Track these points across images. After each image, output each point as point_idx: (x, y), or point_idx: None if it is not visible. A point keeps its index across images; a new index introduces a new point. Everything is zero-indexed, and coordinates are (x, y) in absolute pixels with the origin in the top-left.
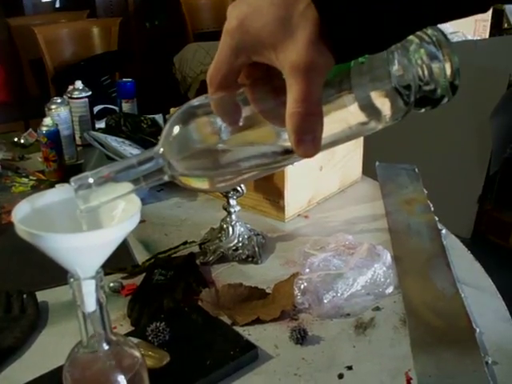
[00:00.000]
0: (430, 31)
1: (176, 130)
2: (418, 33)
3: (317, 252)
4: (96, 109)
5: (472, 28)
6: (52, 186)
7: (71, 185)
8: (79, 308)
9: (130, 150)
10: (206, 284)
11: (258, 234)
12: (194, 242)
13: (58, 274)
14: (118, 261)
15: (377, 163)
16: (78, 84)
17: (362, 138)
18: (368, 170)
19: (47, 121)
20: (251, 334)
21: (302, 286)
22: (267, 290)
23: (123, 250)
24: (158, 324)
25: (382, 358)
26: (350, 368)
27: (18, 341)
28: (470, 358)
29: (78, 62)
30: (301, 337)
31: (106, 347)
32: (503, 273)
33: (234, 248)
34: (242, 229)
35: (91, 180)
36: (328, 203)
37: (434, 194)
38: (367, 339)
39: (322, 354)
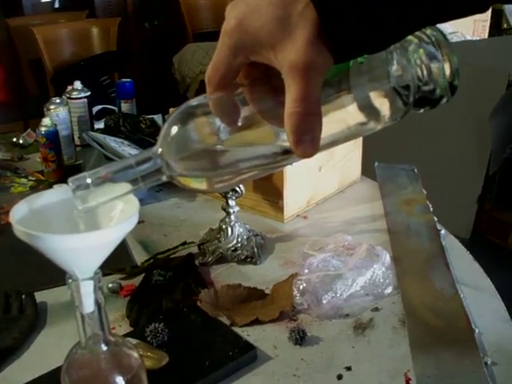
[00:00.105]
0: (429, 31)
1: (174, 130)
2: (417, 33)
3: (316, 252)
4: (95, 109)
5: (471, 28)
6: (51, 186)
7: (69, 185)
8: (77, 309)
9: (128, 150)
10: (205, 285)
11: (257, 235)
12: (192, 242)
13: (56, 275)
14: (117, 261)
15: (376, 164)
16: (77, 84)
17: (361, 139)
18: (367, 171)
19: (46, 121)
20: (250, 334)
21: (301, 287)
22: (266, 291)
23: (122, 250)
24: (156, 325)
25: (381, 358)
26: (349, 369)
27: (16, 341)
28: (469, 359)
29: (77, 62)
30: (300, 337)
31: (104, 348)
32: (502, 273)
33: (232, 248)
34: (241, 229)
35: (89, 180)
36: (327, 204)
37: (433, 195)
38: (366, 340)
39: (320, 354)
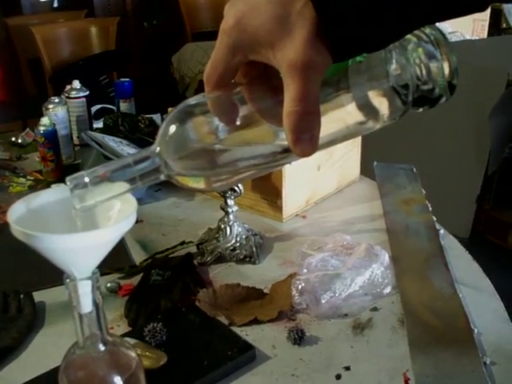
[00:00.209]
0: (428, 30)
1: (172, 129)
2: (416, 32)
3: (314, 252)
4: (94, 108)
5: (470, 28)
6: (49, 185)
7: (67, 184)
8: (75, 309)
9: (127, 149)
10: (204, 284)
11: (256, 234)
12: (191, 242)
13: (55, 275)
14: (116, 261)
15: (375, 163)
16: (76, 84)
17: (359, 138)
18: (366, 170)
19: (45, 120)
20: (249, 334)
21: (300, 287)
22: (265, 291)
23: (120, 250)
24: (155, 324)
25: (379, 358)
26: (347, 368)
27: (14, 341)
28: (468, 359)
29: (76, 61)
30: (298, 337)
31: (102, 348)
32: (501, 273)
33: (231, 248)
34: (240, 229)
35: (87, 179)
36: (326, 203)
37: (432, 194)
38: (365, 339)
39: (319, 354)
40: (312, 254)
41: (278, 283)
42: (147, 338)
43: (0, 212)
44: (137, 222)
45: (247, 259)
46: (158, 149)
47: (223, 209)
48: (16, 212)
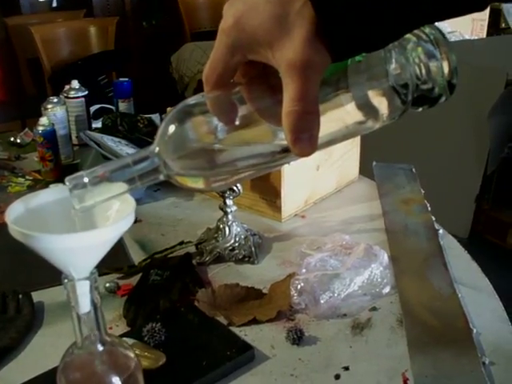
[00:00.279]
0: (427, 29)
1: (171, 128)
2: (416, 31)
3: (313, 252)
4: (93, 108)
5: (469, 27)
6: (48, 185)
7: (66, 184)
8: (73, 309)
9: (126, 149)
10: (203, 284)
11: (255, 234)
12: (190, 242)
13: (53, 275)
14: (114, 261)
15: (374, 163)
16: (75, 83)
17: (359, 138)
18: (365, 170)
19: (43, 120)
20: (247, 334)
21: (299, 287)
22: (264, 291)
23: (119, 249)
24: (153, 324)
25: (378, 358)
26: (346, 368)
27: (13, 341)
28: (467, 359)
29: (75, 61)
30: (297, 337)
31: (100, 348)
32: (500, 273)
33: (230, 248)
34: (239, 229)
35: (86, 179)
36: (325, 203)
37: (431, 194)
38: (364, 339)
39: (318, 354)
40: (311, 253)
41: (277, 283)
42: (146, 338)
43: None
44: (136, 221)
45: (246, 259)
46: (157, 149)
47: (222, 209)
48: (14, 212)
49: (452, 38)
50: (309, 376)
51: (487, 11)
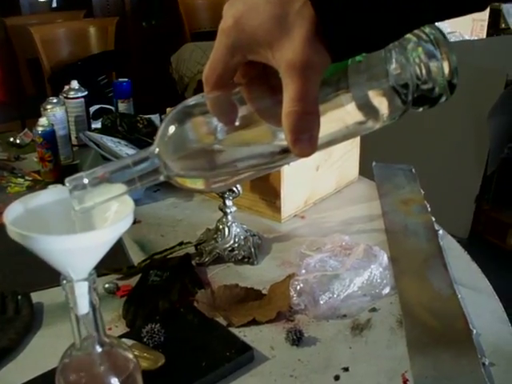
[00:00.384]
0: (427, 29)
1: (171, 129)
2: (416, 31)
3: (313, 253)
4: (92, 109)
5: (469, 28)
6: (47, 186)
7: (66, 185)
8: (72, 310)
9: (125, 150)
10: (202, 285)
11: (254, 235)
12: (189, 242)
13: (53, 275)
14: (114, 261)
15: (373, 163)
16: (74, 84)
17: (358, 138)
18: (365, 170)
19: (43, 121)
20: (247, 335)
21: (298, 287)
22: (263, 291)
23: (119, 250)
24: (153, 325)
25: (378, 359)
26: (346, 369)
27: (12, 342)
28: (467, 360)
29: (75, 61)
30: (297, 338)
31: (99, 349)
32: (500, 273)
33: (229, 249)
34: (238, 229)
35: (86, 180)
36: (324, 203)
37: (431, 194)
38: (364, 340)
39: (318, 355)
40: (310, 254)
41: (277, 284)
42: (145, 339)
43: None
44: (135, 222)
45: (245, 260)
46: (157, 150)
47: (222, 209)
48: (12, 213)
49: (452, 39)
50: (308, 377)
51: (487, 11)
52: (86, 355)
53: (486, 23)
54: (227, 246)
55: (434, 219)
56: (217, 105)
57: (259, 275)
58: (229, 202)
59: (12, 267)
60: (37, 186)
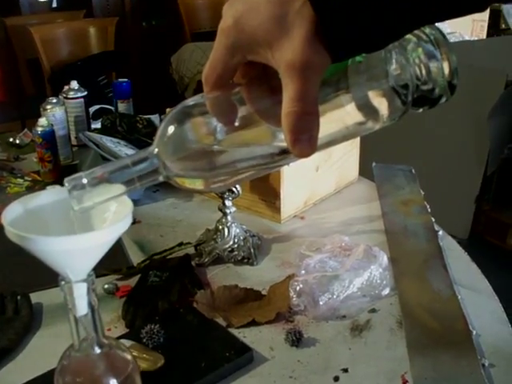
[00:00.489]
0: (427, 30)
1: (171, 129)
2: (416, 31)
3: (313, 253)
4: (92, 109)
5: (469, 28)
6: (47, 186)
7: (65, 185)
8: (71, 311)
9: (125, 150)
10: (202, 285)
11: (254, 236)
12: (189, 243)
13: (52, 276)
14: (113, 262)
15: (373, 164)
16: (74, 84)
17: (358, 139)
18: (364, 171)
19: (42, 121)
20: (246, 336)
21: (298, 288)
22: (263, 292)
23: (118, 251)
24: (152, 326)
25: (378, 360)
26: (345, 370)
27: (11, 343)
28: (467, 361)
29: (75, 61)
30: (296, 339)
31: (97, 351)
32: (500, 274)
33: (229, 249)
34: (238, 230)
35: (85, 180)
36: (324, 204)
37: (431, 195)
38: (363, 341)
39: (317, 356)
40: (310, 255)
41: (276, 284)
42: (144, 340)
43: None
44: (135, 222)
45: (245, 260)
46: (157, 150)
47: (221, 210)
48: (11, 214)
49: (452, 39)
50: (308, 378)
51: (487, 12)
52: (85, 356)
53: (486, 24)
54: (227, 246)
55: (433, 220)
56: (216, 105)
57: (259, 276)
58: (228, 203)
59: (11, 267)
60: (36, 186)
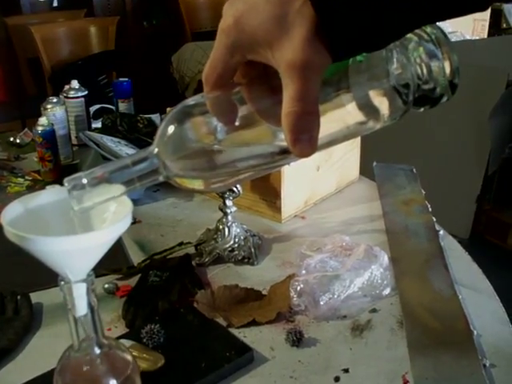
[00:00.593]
0: (429, 29)
1: (171, 129)
2: (417, 31)
3: (313, 253)
4: (93, 108)
5: (470, 28)
6: (47, 186)
7: (65, 185)
8: (70, 312)
9: (125, 149)
10: (202, 285)
11: (255, 235)
12: (189, 242)
13: (52, 276)
14: (113, 262)
15: (374, 163)
16: (74, 83)
17: (359, 138)
18: (365, 171)
19: (43, 120)
20: (247, 336)
21: (299, 288)
22: (263, 292)
23: (118, 250)
24: (152, 326)
25: (378, 360)
26: (346, 371)
27: (11, 343)
28: (468, 361)
29: (76, 61)
30: (297, 339)
31: (97, 351)
32: (501, 274)
33: (229, 249)
34: (238, 230)
35: (85, 180)
36: (325, 204)
37: (432, 195)
38: (364, 341)
39: (318, 356)
40: (311, 255)
41: (277, 284)
42: (145, 340)
43: None
44: (135, 222)
45: (246, 260)
46: (157, 150)
47: (222, 209)
48: (10, 213)
49: (453, 38)
50: (308, 378)
51: (488, 11)
52: (85, 357)
53: (487, 23)
54: (227, 246)
55: (434, 219)
56: (216, 104)
57: (259, 276)
58: (229, 202)
59: (11, 267)
60: (37, 185)
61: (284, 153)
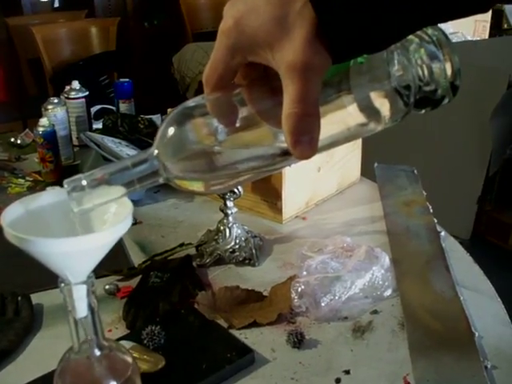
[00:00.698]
0: (430, 31)
1: (171, 131)
2: (418, 32)
3: (314, 254)
4: (94, 109)
5: (472, 28)
6: (48, 187)
7: (64, 187)
8: (70, 313)
9: (126, 150)
10: (203, 286)
11: (256, 236)
12: (190, 243)
13: (53, 277)
14: (114, 263)
15: (375, 164)
16: (75, 84)
17: (360, 139)
18: (367, 172)
19: (44, 121)
20: (248, 337)
21: (300, 289)
22: (264, 293)
23: (119, 251)
24: (153, 327)
25: (379, 362)
26: (347, 372)
27: (12, 344)
28: (469, 362)
29: (77, 61)
30: (298, 340)
31: (97, 353)
32: (503, 275)
33: (230, 250)
34: (239, 231)
35: (85, 182)
36: (326, 205)
37: (433, 195)
38: (365, 343)
39: (319, 357)
40: (312, 256)
41: (278, 286)
42: (145, 341)
43: None
44: (136, 223)
45: (247, 261)
46: (157, 151)
47: (222, 210)
48: (10, 215)
49: (454, 39)
50: (309, 380)
51: (489, 12)
52: (85, 359)
53: (488, 24)
54: (228, 247)
55: (436, 221)
56: (217, 106)
57: (260, 277)
58: (230, 203)
59: (12, 268)
60: (37, 186)
61: (284, 154)
